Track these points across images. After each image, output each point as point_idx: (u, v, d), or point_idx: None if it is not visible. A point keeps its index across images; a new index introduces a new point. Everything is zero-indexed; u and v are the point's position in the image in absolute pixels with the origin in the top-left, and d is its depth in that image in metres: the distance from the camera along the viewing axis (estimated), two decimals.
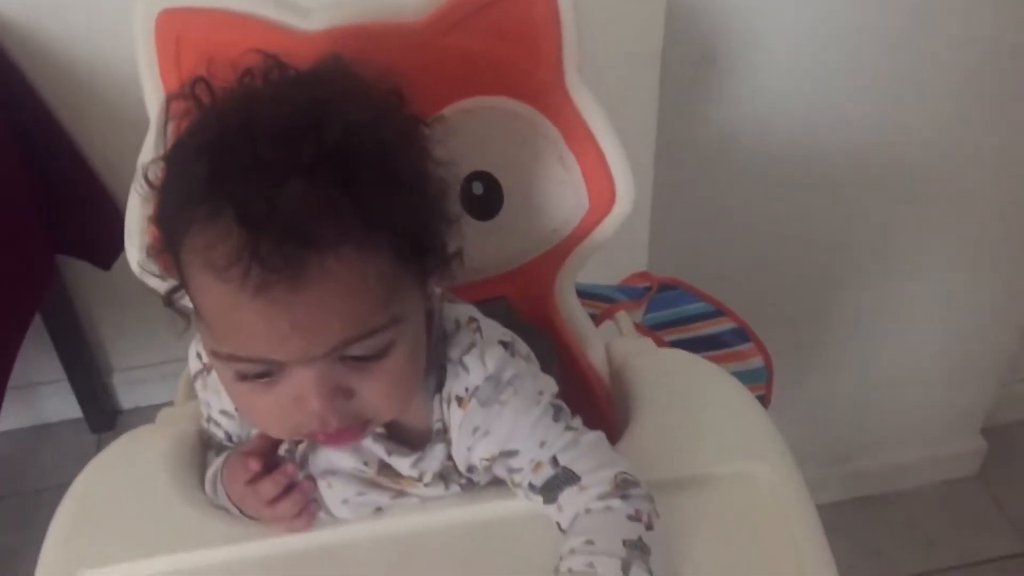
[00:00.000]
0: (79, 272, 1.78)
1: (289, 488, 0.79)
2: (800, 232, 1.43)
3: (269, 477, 0.78)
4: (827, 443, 1.70)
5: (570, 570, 0.73)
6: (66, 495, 0.84)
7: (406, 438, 0.81)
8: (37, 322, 1.75)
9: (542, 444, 0.77)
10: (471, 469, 0.81)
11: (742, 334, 1.11)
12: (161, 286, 0.75)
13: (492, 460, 0.78)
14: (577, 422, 0.80)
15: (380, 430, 0.79)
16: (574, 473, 0.76)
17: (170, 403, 0.99)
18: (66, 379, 1.92)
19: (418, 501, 0.82)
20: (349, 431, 0.73)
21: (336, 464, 0.81)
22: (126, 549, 0.79)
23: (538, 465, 0.77)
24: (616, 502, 0.75)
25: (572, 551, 0.74)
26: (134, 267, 0.88)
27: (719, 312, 1.12)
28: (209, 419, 0.88)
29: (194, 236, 0.66)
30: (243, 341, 0.67)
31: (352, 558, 0.79)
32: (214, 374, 0.83)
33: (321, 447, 0.80)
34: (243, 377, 0.70)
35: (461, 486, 0.82)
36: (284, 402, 0.70)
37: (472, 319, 0.81)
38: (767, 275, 1.44)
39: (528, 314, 0.98)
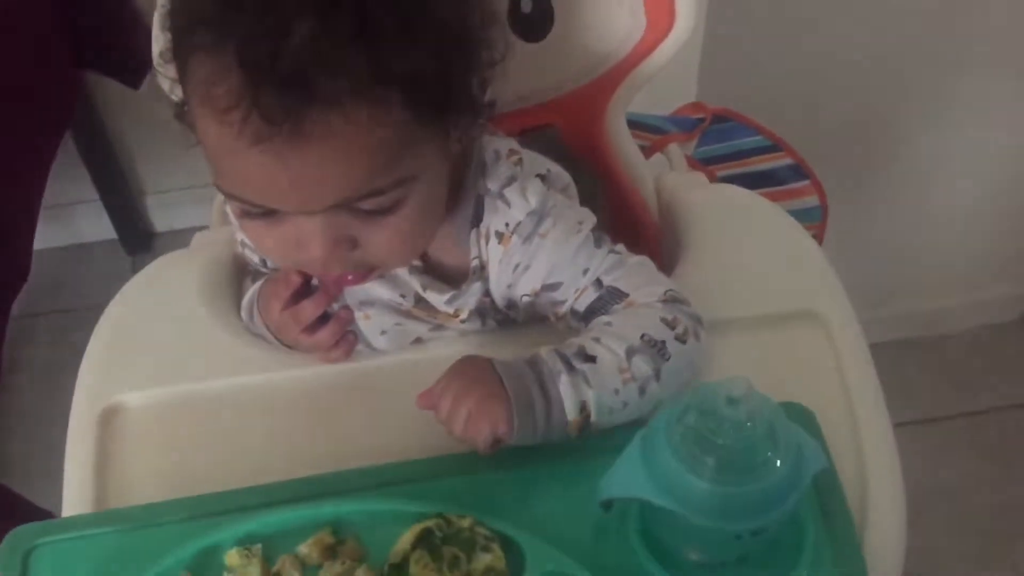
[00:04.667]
0: (109, 92, 1.73)
1: (326, 316, 0.77)
2: (859, 62, 1.33)
3: (308, 300, 0.76)
4: (870, 284, 1.64)
5: (579, 335, 0.71)
6: (101, 319, 0.83)
7: (443, 274, 0.78)
8: (70, 143, 1.72)
9: (585, 271, 0.74)
10: (511, 306, 0.78)
11: (798, 170, 1.05)
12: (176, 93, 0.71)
13: (535, 295, 0.76)
14: (620, 247, 0.76)
15: (417, 263, 0.77)
16: (620, 290, 0.74)
17: (204, 227, 0.97)
18: (100, 200, 1.90)
19: (457, 334, 0.80)
20: (353, 276, 0.71)
21: (373, 295, 0.78)
22: (163, 374, 0.78)
23: (582, 291, 0.74)
24: (658, 305, 0.72)
25: (587, 329, 0.73)
26: (155, 59, 0.84)
27: (775, 147, 1.06)
28: (243, 243, 0.85)
29: (196, 66, 0.61)
30: (242, 186, 0.64)
31: (389, 386, 0.78)
32: None
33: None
34: (247, 214, 0.67)
35: (498, 322, 0.80)
36: (288, 242, 0.67)
37: (513, 151, 0.77)
38: (821, 108, 1.35)
39: (576, 143, 0.93)
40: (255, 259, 0.86)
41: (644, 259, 0.77)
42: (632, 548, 0.66)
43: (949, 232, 1.66)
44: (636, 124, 0.98)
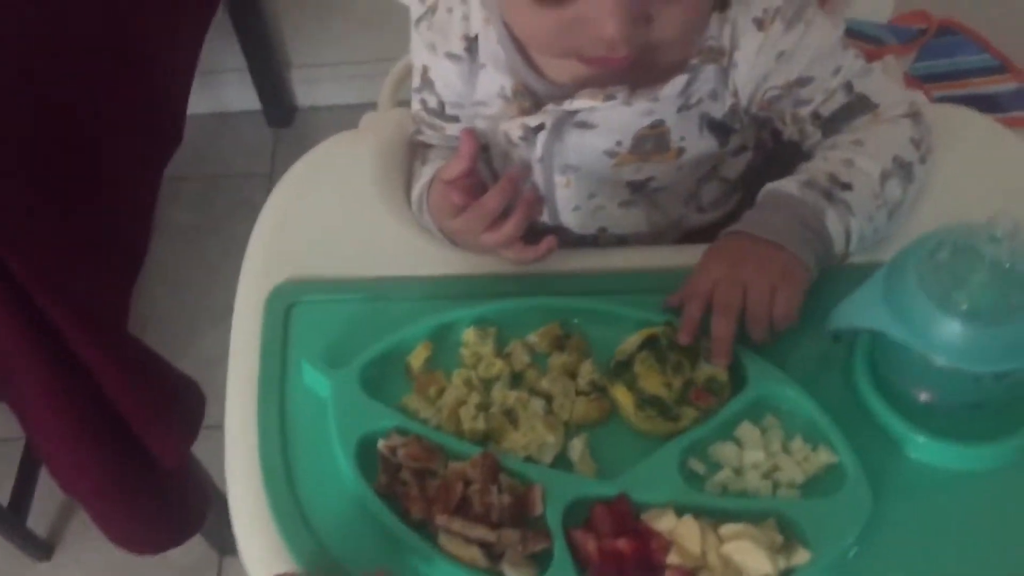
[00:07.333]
0: None
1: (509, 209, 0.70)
2: None
3: (493, 189, 0.69)
4: None
5: (825, 159, 0.68)
6: (268, 200, 0.79)
7: (656, 72, 0.72)
8: (221, 10, 1.69)
9: (836, 71, 0.70)
10: (749, 104, 0.73)
11: None
12: None
13: (786, 88, 0.71)
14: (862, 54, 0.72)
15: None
16: (870, 100, 0.70)
17: (347, 106, 0.92)
18: (247, 69, 1.88)
19: (645, 215, 0.77)
20: (628, 57, 0.66)
21: (585, 151, 0.74)
22: (331, 261, 0.74)
23: (831, 94, 0.71)
24: (905, 123, 0.69)
25: (833, 146, 0.69)
26: None
27: (1002, 67, 0.94)
28: (419, 123, 0.81)
29: None
30: None
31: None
32: (439, 14, 0.75)
33: (567, 136, 0.74)
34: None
35: (719, 140, 0.75)
36: (574, 25, 0.63)
37: None
38: None
39: None
40: (433, 137, 0.82)
41: (886, 63, 0.75)
42: (856, 382, 0.65)
43: None
44: (852, 32, 0.88)
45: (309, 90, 1.96)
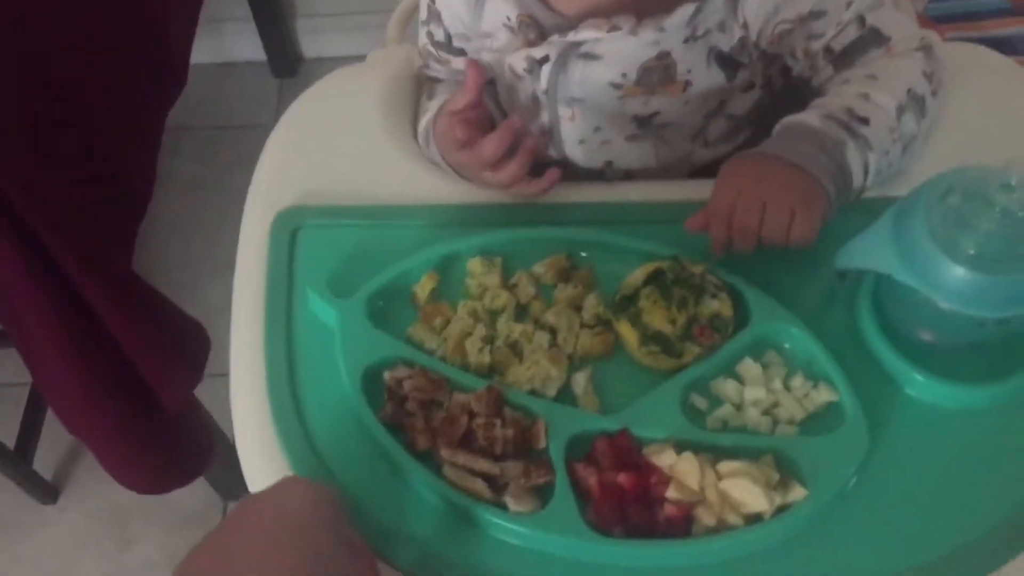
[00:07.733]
0: None
1: (513, 148, 0.70)
2: None
3: (489, 137, 0.69)
4: None
5: (840, 93, 0.67)
6: (275, 128, 0.79)
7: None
8: None
9: (849, 4, 0.70)
10: (759, 38, 0.72)
11: None
12: None
13: (797, 22, 0.70)
14: None
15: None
16: (882, 33, 0.70)
17: (351, 58, 0.91)
18: (251, 19, 1.86)
19: (651, 149, 0.77)
20: None
21: (589, 84, 0.73)
22: (335, 188, 0.74)
23: (843, 27, 0.70)
24: (918, 56, 0.69)
25: (847, 80, 0.69)
26: None
27: (1017, 10, 0.93)
28: (426, 56, 0.80)
29: None
30: None
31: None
32: None
33: (572, 67, 0.73)
34: None
35: (726, 75, 0.74)
36: None
37: None
38: None
39: None
40: (440, 71, 0.81)
41: (899, 2, 0.73)
42: (859, 321, 0.66)
43: None
44: None
45: (314, 40, 1.94)
